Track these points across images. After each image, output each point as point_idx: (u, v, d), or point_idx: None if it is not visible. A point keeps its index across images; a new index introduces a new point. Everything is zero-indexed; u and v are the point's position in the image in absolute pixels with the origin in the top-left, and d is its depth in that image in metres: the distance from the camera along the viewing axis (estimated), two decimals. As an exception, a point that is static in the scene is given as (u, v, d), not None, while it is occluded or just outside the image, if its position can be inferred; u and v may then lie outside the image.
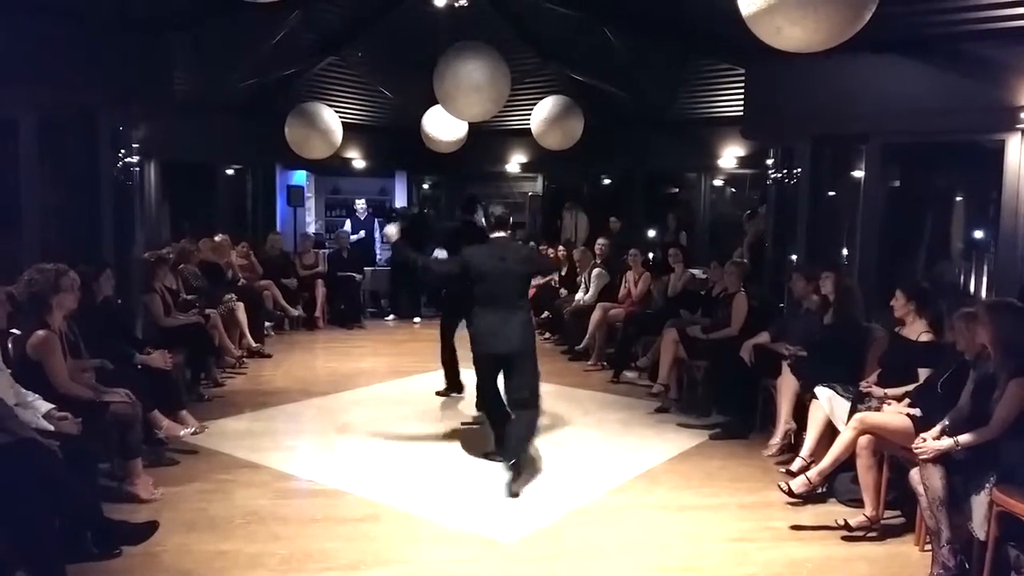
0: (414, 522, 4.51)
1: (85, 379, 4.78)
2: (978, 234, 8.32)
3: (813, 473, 4.68)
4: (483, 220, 6.46)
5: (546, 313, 10.57)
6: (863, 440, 4.41)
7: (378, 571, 3.91)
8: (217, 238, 9.81)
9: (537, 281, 11.46)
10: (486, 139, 12.29)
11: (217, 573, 3.85)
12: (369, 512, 4.62)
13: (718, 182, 12.92)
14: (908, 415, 4.38)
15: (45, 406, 4.19)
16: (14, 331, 4.43)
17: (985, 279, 7.77)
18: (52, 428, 4.06)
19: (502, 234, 5.51)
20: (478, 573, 3.93)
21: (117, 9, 6.71)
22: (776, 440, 5.62)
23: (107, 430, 4.52)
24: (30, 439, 3.77)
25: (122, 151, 7.28)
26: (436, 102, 8.21)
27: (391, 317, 11.96)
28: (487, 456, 5.56)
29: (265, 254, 10.92)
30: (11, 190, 6.53)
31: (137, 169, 7.79)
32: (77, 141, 6.70)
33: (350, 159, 12.99)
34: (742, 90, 8.57)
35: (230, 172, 12.51)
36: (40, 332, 4.44)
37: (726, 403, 6.38)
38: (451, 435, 6.21)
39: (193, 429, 5.44)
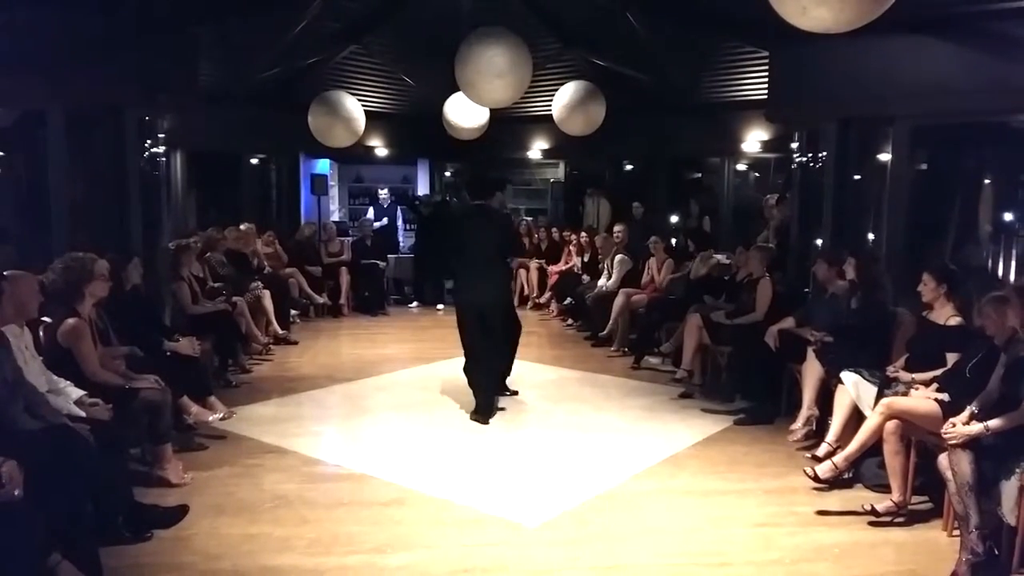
0: (439, 506, 4.55)
1: (115, 366, 4.85)
2: (1007, 217, 8.20)
3: (839, 458, 4.64)
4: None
5: (569, 299, 10.56)
6: (890, 425, 4.37)
7: (404, 554, 3.95)
8: (243, 227, 9.89)
9: (558, 267, 11.49)
10: (508, 125, 12.25)
11: (246, 556, 3.91)
12: (395, 496, 4.66)
13: (742, 167, 12.80)
14: (936, 400, 4.34)
15: (76, 392, 4.25)
16: (45, 319, 4.50)
17: (1014, 262, 7.66)
18: (83, 414, 4.12)
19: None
20: (502, 557, 3.95)
21: (143, 2, 6.76)
22: (798, 425, 5.57)
23: (137, 416, 4.58)
24: (62, 425, 3.84)
25: (149, 142, 7.35)
26: (458, 89, 8.21)
27: (415, 304, 12.01)
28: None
29: (295, 240, 11.14)
30: (39, 181, 6.63)
31: (163, 159, 7.87)
32: (104, 132, 6.77)
33: (372, 147, 13.04)
34: (766, 73, 8.48)
35: (255, 161, 12.60)
36: (70, 320, 4.51)
37: (750, 388, 6.34)
38: (475, 420, 6.23)
39: (221, 415, 5.51)
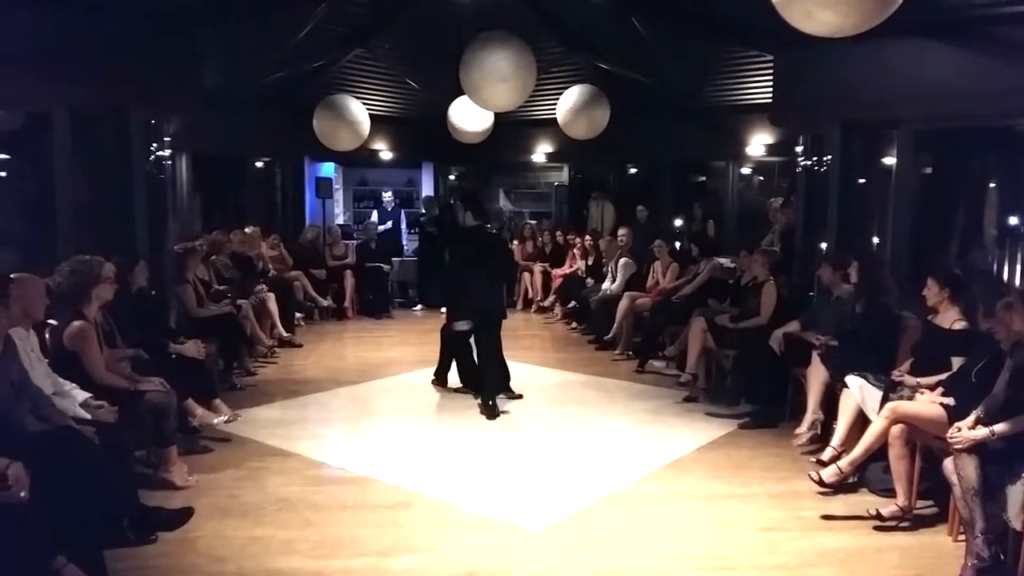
0: (443, 509, 4.55)
1: (121, 368, 4.87)
2: (1012, 221, 8.18)
3: (844, 463, 4.63)
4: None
5: (573, 303, 10.56)
6: (895, 429, 4.37)
7: (408, 557, 3.95)
8: (248, 230, 9.92)
9: (562, 270, 11.49)
10: (512, 129, 12.27)
11: (250, 558, 3.91)
12: (399, 499, 4.67)
13: (746, 170, 12.79)
14: (941, 404, 4.33)
15: (82, 395, 4.27)
16: (51, 322, 4.51)
17: (1020, 266, 7.64)
18: (89, 417, 4.14)
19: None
20: (506, 560, 3.95)
21: (148, 4, 6.78)
22: (803, 429, 5.56)
23: (142, 418, 4.60)
24: (68, 427, 3.85)
25: (154, 145, 7.37)
26: (462, 93, 8.21)
27: (419, 307, 12.03)
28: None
29: (300, 243, 11.19)
30: (45, 184, 6.63)
31: (169, 162, 7.89)
32: (109, 135, 6.77)
33: (377, 151, 13.05)
34: (771, 77, 8.47)
35: (259, 165, 12.63)
36: (76, 323, 4.52)
37: (755, 392, 6.34)
38: (479, 423, 6.24)
39: (226, 417, 5.51)
